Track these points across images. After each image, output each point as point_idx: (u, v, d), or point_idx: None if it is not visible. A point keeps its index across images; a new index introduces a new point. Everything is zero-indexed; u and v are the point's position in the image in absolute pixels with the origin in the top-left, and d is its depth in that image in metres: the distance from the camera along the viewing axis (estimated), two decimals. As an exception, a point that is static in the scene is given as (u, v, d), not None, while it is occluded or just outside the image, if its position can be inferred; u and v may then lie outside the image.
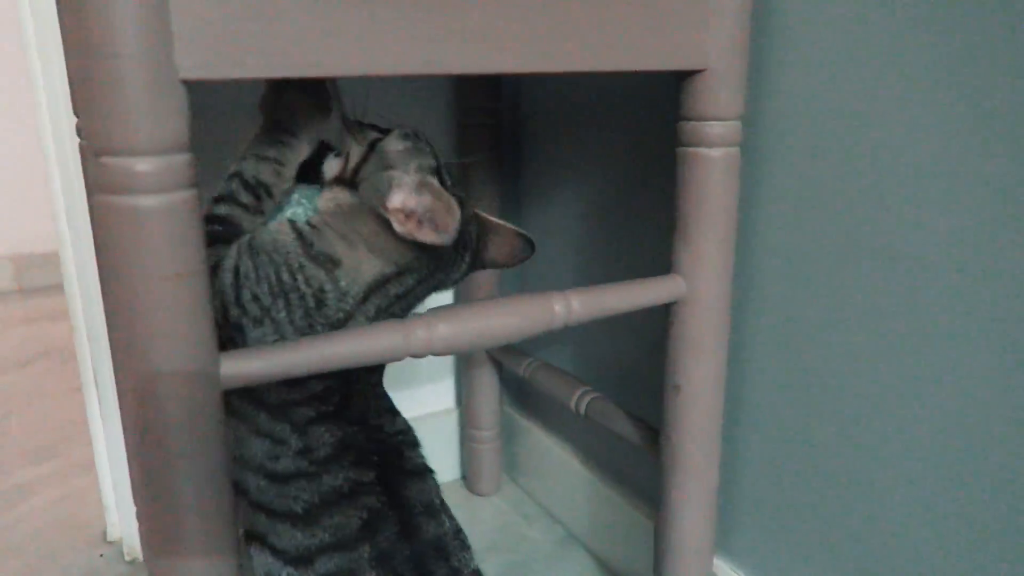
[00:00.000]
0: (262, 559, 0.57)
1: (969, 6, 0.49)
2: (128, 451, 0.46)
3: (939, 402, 0.54)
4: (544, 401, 1.05)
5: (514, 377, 1.09)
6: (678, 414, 0.64)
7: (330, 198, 0.60)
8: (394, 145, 0.60)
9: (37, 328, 1.95)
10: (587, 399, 0.80)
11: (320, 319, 0.56)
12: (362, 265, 0.57)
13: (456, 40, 0.46)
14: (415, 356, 0.52)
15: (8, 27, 2.10)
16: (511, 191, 1.04)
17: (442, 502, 0.62)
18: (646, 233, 0.80)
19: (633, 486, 0.88)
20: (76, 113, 0.50)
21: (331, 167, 0.62)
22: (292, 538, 0.55)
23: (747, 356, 0.69)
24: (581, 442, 0.97)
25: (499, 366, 1.04)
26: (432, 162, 0.61)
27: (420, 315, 0.52)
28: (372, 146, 0.61)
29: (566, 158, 0.92)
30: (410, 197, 0.56)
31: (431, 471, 0.62)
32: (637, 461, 0.87)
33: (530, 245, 0.64)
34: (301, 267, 0.56)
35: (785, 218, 0.64)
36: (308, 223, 0.59)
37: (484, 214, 0.65)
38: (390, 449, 0.60)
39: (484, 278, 0.98)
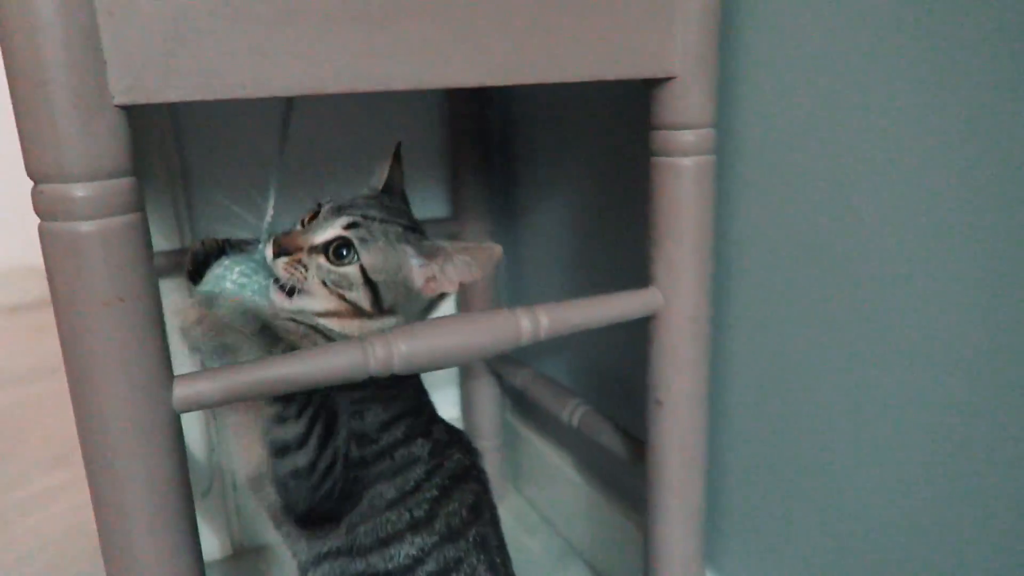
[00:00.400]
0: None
1: (940, 8, 0.46)
2: (86, 474, 0.46)
3: (927, 411, 0.52)
4: (543, 412, 1.03)
5: (514, 388, 1.08)
6: (661, 427, 0.63)
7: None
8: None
9: (67, 337, 1.99)
10: (579, 412, 0.79)
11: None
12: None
13: (398, 54, 0.45)
14: (376, 375, 0.51)
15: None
16: (502, 199, 1.03)
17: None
18: (635, 243, 0.79)
19: (629, 498, 0.87)
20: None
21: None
22: (411, 546, 0.58)
23: (730, 368, 0.67)
24: (579, 453, 0.96)
25: (499, 376, 1.03)
26: (399, 225, 0.63)
27: (380, 334, 0.52)
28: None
29: (556, 166, 0.90)
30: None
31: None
32: (632, 473, 0.85)
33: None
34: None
35: (764, 225, 0.62)
36: None
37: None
38: (466, 445, 0.66)
39: (481, 290, 0.97)
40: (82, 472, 1.25)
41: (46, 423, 1.43)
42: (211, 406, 0.47)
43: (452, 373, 1.10)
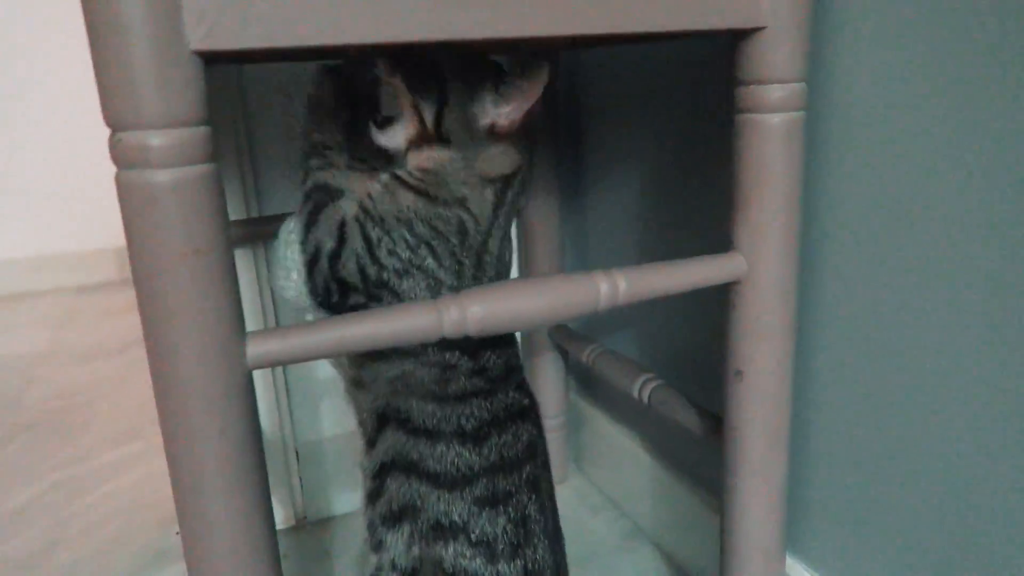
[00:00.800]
0: (408, 487, 0.60)
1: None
2: (161, 431, 0.46)
3: (1034, 391, 0.48)
4: (609, 389, 1.01)
5: (579, 364, 1.06)
6: (741, 402, 0.60)
7: (427, 157, 0.60)
8: (455, 84, 0.61)
9: (135, 317, 2.03)
10: (650, 387, 0.76)
11: (465, 251, 0.61)
12: (485, 191, 0.61)
13: (476, 4, 0.43)
14: (449, 337, 0.50)
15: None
16: (569, 166, 1.01)
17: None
18: (713, 208, 0.76)
19: (700, 479, 0.84)
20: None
21: (396, 135, 0.62)
22: (458, 457, 0.59)
23: (817, 339, 0.64)
24: (647, 432, 0.93)
25: (564, 353, 1.01)
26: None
27: (454, 295, 0.50)
28: (441, 100, 0.60)
29: (625, 131, 0.88)
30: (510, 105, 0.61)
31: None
32: (704, 452, 0.83)
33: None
34: (435, 215, 0.60)
35: (858, 188, 0.58)
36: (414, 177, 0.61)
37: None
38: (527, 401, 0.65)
39: (545, 254, 0.95)
40: (149, 446, 1.29)
41: (115, 399, 1.46)
42: (283, 363, 0.46)
43: (514, 351, 1.09)
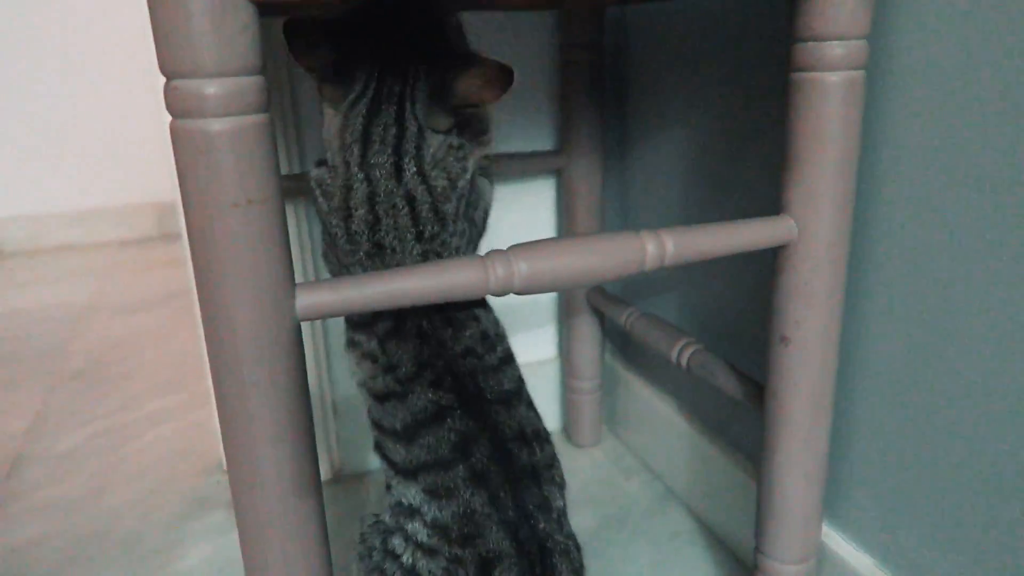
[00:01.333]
0: (384, 469, 0.60)
1: None
2: (212, 379, 0.47)
3: (1094, 364, 0.47)
4: (646, 353, 1.01)
5: (616, 327, 1.06)
6: (785, 368, 0.59)
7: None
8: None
9: (175, 270, 2.08)
10: (689, 351, 0.76)
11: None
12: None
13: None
14: (495, 294, 0.50)
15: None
16: (615, 129, 1.00)
17: (536, 431, 0.60)
18: (760, 171, 0.74)
19: (737, 444, 0.84)
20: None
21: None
22: (397, 452, 0.58)
23: (865, 306, 0.63)
24: (683, 396, 0.93)
25: (601, 316, 1.01)
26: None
27: (501, 252, 0.50)
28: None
29: (672, 93, 0.86)
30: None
31: (522, 397, 0.61)
32: (741, 418, 0.82)
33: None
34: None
35: (916, 153, 0.56)
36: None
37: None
38: (463, 375, 0.58)
39: (584, 214, 0.94)
40: (192, 396, 1.32)
41: (157, 351, 1.50)
42: (331, 315, 0.46)
43: (551, 311, 1.09)
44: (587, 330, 1.01)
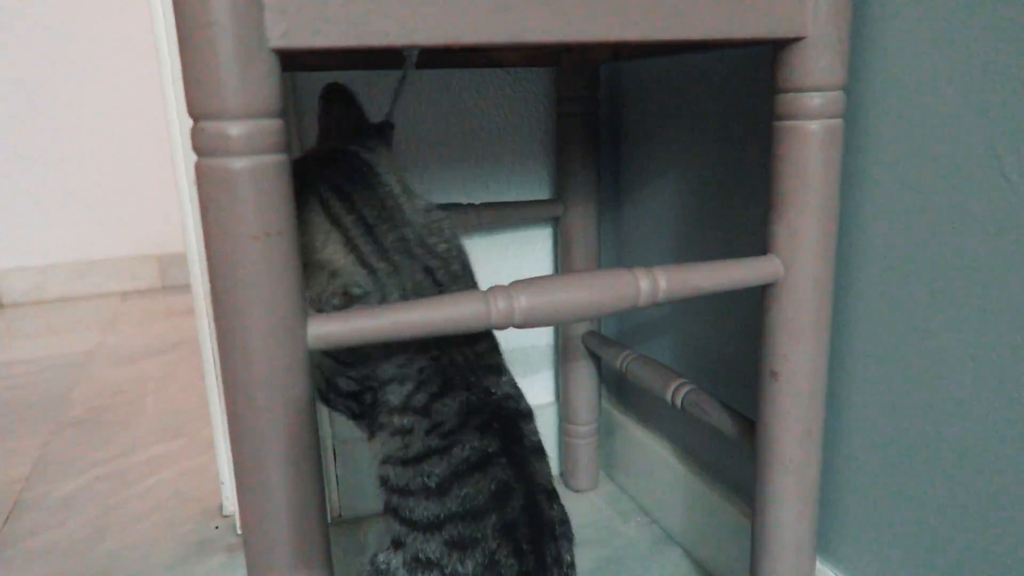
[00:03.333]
0: (393, 527, 0.60)
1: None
2: (225, 403, 0.49)
3: (1067, 393, 0.49)
4: (642, 396, 1.03)
5: (612, 372, 1.08)
6: (775, 402, 0.61)
7: None
8: None
9: (177, 321, 2.10)
10: (683, 391, 0.78)
11: None
12: None
13: (534, 7, 0.46)
14: (496, 327, 0.52)
15: (142, 43, 2.30)
16: (610, 177, 1.03)
17: (554, 487, 0.63)
18: (748, 214, 0.77)
19: (731, 484, 0.85)
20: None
21: None
22: (425, 510, 0.58)
23: (851, 341, 0.65)
24: (679, 438, 0.94)
25: (597, 360, 1.03)
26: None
27: (502, 286, 0.53)
28: None
29: (663, 142, 0.90)
30: None
31: (545, 452, 0.63)
32: (735, 458, 0.84)
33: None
34: None
35: (893, 194, 0.60)
36: None
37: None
38: (507, 419, 0.61)
39: (581, 259, 0.97)
40: (192, 442, 1.33)
41: (159, 398, 1.51)
42: (340, 345, 0.49)
43: (548, 356, 1.11)
44: (584, 374, 1.03)
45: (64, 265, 2.43)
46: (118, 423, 1.39)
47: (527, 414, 0.63)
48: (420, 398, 0.60)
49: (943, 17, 0.54)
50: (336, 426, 1.00)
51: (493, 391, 0.61)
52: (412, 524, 0.58)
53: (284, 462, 0.46)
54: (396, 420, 0.60)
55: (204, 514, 1.05)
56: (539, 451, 0.62)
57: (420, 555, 0.58)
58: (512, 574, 0.56)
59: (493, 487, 0.57)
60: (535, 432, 0.63)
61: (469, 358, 0.62)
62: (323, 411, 0.99)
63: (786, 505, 0.63)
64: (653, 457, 0.98)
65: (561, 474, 1.11)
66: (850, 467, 0.67)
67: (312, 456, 0.48)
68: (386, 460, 0.61)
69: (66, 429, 1.37)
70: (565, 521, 0.63)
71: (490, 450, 0.58)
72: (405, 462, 0.59)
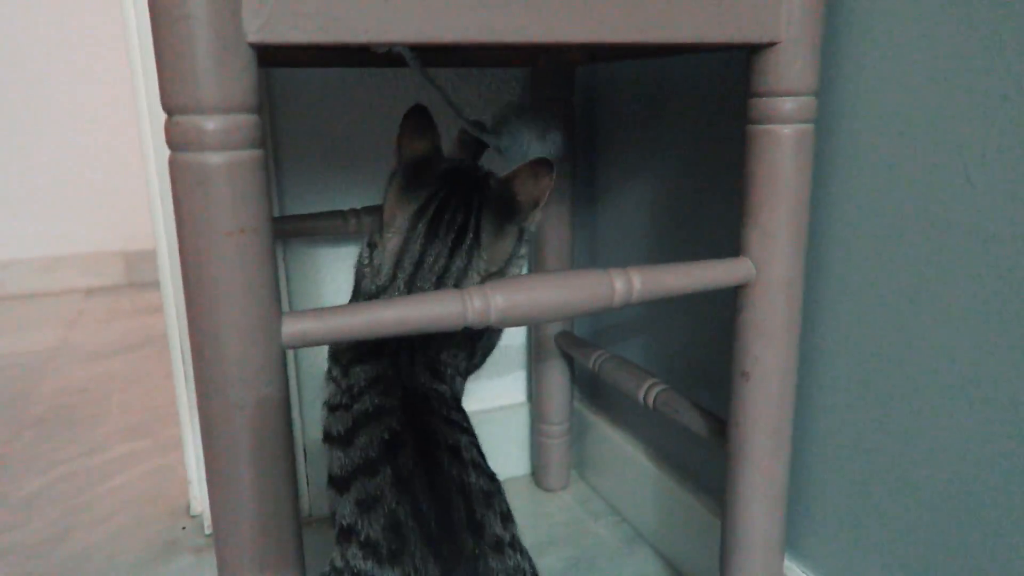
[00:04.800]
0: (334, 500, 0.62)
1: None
2: (198, 400, 0.48)
3: (1028, 394, 0.50)
4: (614, 396, 1.03)
5: (585, 372, 1.08)
6: (746, 402, 0.62)
7: None
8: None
9: (143, 319, 2.07)
10: (655, 391, 0.78)
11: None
12: None
13: (513, 8, 0.46)
14: (472, 326, 0.52)
15: (116, 37, 2.26)
16: (583, 177, 1.04)
17: (474, 461, 0.60)
18: (720, 216, 0.78)
19: (702, 483, 0.86)
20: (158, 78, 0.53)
21: None
22: (338, 460, 0.61)
23: (821, 342, 0.66)
24: (650, 438, 0.95)
25: (570, 360, 1.04)
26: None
27: (478, 286, 0.53)
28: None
29: (636, 144, 0.91)
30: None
31: (467, 432, 0.63)
32: (706, 457, 0.85)
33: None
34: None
35: (862, 197, 0.61)
36: None
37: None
38: (419, 392, 0.63)
39: (554, 259, 0.98)
40: (158, 442, 1.31)
41: (124, 396, 1.48)
42: (315, 343, 0.48)
43: (521, 356, 1.11)
44: (557, 374, 1.03)
45: (27, 261, 2.38)
46: (83, 422, 1.37)
47: (448, 400, 0.65)
48: (347, 356, 0.65)
49: (913, 26, 0.55)
50: (307, 425, 1.00)
51: (421, 380, 0.64)
52: (334, 481, 0.61)
53: (257, 460, 0.46)
54: (330, 366, 0.67)
55: (171, 514, 1.04)
56: (450, 423, 0.61)
57: (343, 522, 0.58)
58: (416, 539, 0.53)
59: (385, 436, 0.58)
60: (454, 413, 0.64)
61: (417, 355, 0.66)
62: (294, 411, 0.98)
63: (755, 503, 0.64)
64: (624, 457, 0.98)
65: (533, 473, 1.11)
66: (819, 466, 0.69)
67: (285, 455, 0.48)
68: (324, 403, 0.67)
69: (28, 428, 1.35)
70: (494, 494, 0.59)
71: (386, 405, 0.60)
72: (330, 408, 0.65)
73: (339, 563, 0.57)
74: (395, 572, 0.53)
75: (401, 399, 0.61)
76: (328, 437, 0.64)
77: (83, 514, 1.05)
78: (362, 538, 0.56)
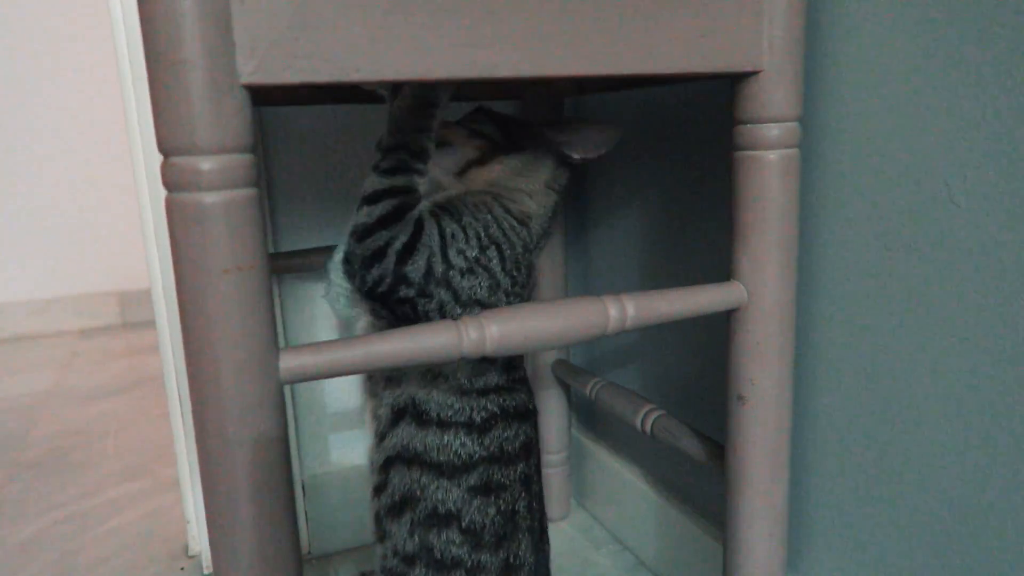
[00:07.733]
0: (408, 478, 0.65)
1: (1035, -9, 0.47)
2: (196, 438, 0.48)
3: None
4: (612, 423, 1.03)
5: (583, 400, 1.09)
6: (743, 425, 0.62)
7: (489, 169, 0.71)
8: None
9: (138, 359, 2.06)
10: (653, 417, 0.78)
11: (523, 259, 0.68)
12: (542, 209, 0.71)
13: (501, 44, 0.47)
14: (468, 356, 0.52)
15: (108, 80, 2.29)
16: (574, 206, 1.05)
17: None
18: (710, 241, 0.79)
19: (702, 508, 0.86)
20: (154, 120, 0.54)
21: (444, 159, 0.71)
22: (461, 446, 0.64)
23: (816, 364, 0.67)
24: (649, 464, 0.95)
25: (567, 388, 1.04)
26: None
27: (474, 316, 0.53)
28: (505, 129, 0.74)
29: (629, 174, 0.92)
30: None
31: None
32: (706, 483, 0.85)
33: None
34: (510, 226, 0.68)
35: (851, 219, 0.62)
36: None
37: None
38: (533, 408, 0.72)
39: (549, 282, 0.98)
40: (155, 482, 1.30)
41: (119, 438, 1.48)
42: (313, 378, 0.49)
43: (518, 387, 1.11)
44: (554, 403, 1.03)
45: (21, 303, 2.37)
46: (78, 464, 1.36)
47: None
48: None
49: (892, 51, 0.56)
50: (305, 461, 0.99)
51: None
52: (437, 468, 0.63)
53: (256, 497, 0.46)
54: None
55: (169, 555, 1.03)
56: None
57: (439, 507, 0.63)
58: (524, 528, 0.65)
59: (522, 436, 0.66)
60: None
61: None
62: (292, 447, 0.97)
63: (756, 526, 0.64)
64: (624, 485, 0.98)
65: (533, 504, 1.10)
66: (817, 485, 0.69)
67: (285, 492, 0.48)
68: (439, 384, 0.65)
69: (24, 471, 1.34)
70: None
71: (530, 406, 0.69)
72: (466, 392, 0.65)
73: (409, 548, 0.63)
74: (497, 556, 0.64)
75: (528, 407, 0.69)
76: (445, 424, 0.65)
77: (80, 557, 1.03)
78: (465, 523, 0.62)
